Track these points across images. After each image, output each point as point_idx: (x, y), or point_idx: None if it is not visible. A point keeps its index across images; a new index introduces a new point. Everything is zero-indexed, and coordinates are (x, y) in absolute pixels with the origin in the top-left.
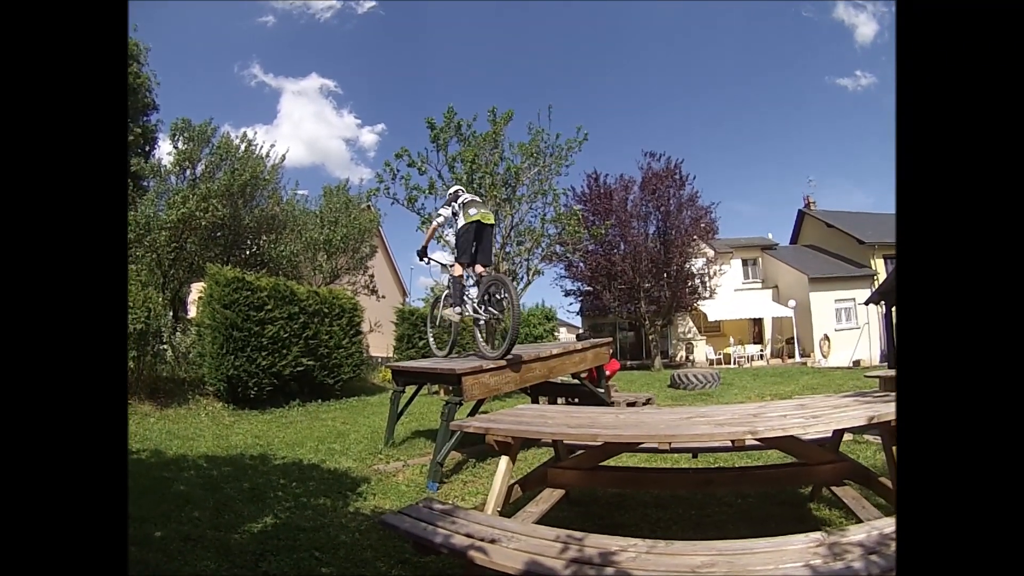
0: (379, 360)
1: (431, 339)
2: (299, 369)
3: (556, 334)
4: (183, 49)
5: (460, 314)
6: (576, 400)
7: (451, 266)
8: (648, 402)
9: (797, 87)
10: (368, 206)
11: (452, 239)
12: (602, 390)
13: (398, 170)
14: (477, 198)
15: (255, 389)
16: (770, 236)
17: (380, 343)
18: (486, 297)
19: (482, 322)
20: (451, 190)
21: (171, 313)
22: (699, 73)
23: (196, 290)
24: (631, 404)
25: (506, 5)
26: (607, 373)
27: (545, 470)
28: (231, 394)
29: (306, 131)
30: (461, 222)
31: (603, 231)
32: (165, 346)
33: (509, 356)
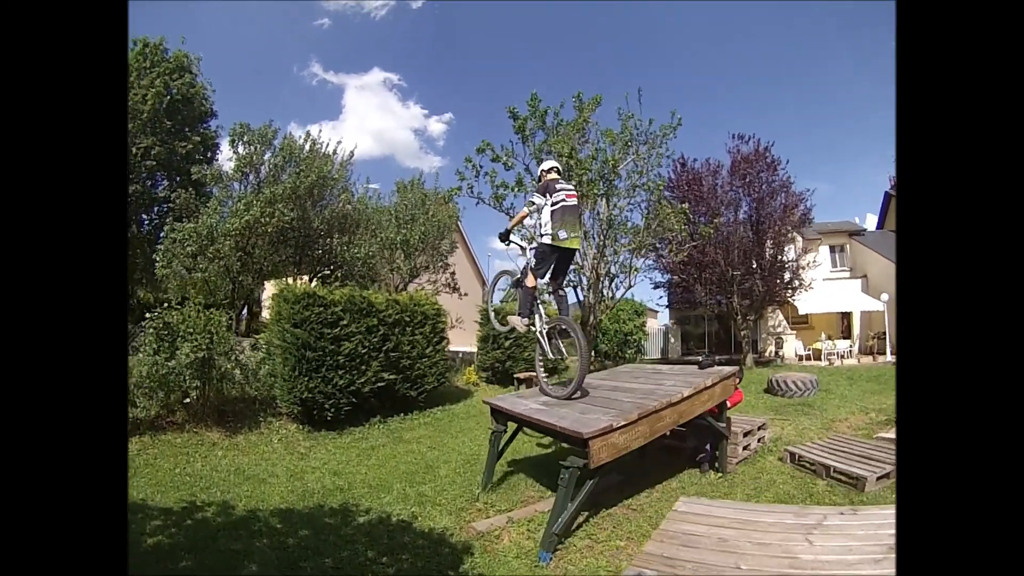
0: (460, 356)
1: (492, 314)
2: (380, 385)
3: (645, 329)
4: (240, 57)
5: (528, 325)
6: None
7: (524, 276)
8: (762, 428)
9: (866, 62)
10: (445, 201)
11: (539, 225)
12: (723, 424)
13: (481, 166)
14: (571, 197)
15: (332, 411)
16: (856, 220)
17: (461, 338)
18: (553, 337)
19: (546, 347)
20: (544, 167)
21: (245, 319)
22: (765, 57)
23: (269, 287)
24: (747, 433)
25: None
26: (728, 405)
27: None
28: (306, 416)
29: (373, 124)
30: (548, 230)
31: (712, 230)
32: (232, 366)
33: (576, 395)
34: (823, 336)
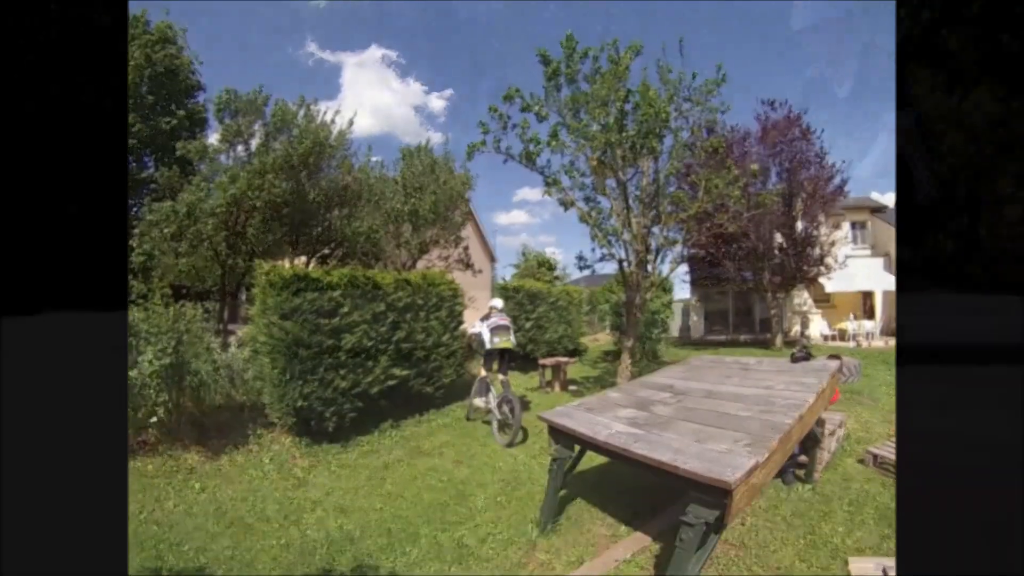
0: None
1: (470, 409)
2: (390, 383)
3: (672, 307)
4: (231, 39)
5: (485, 402)
6: None
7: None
8: (841, 425)
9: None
10: (451, 169)
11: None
12: (820, 428)
13: (509, 117)
14: (503, 319)
15: (334, 419)
16: (875, 196)
17: (473, 318)
18: (502, 405)
19: (495, 412)
20: (493, 305)
21: (243, 304)
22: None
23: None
24: (831, 433)
25: None
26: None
27: None
28: (303, 426)
29: (372, 101)
30: (487, 338)
31: (775, 198)
32: (211, 370)
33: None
34: (851, 316)
